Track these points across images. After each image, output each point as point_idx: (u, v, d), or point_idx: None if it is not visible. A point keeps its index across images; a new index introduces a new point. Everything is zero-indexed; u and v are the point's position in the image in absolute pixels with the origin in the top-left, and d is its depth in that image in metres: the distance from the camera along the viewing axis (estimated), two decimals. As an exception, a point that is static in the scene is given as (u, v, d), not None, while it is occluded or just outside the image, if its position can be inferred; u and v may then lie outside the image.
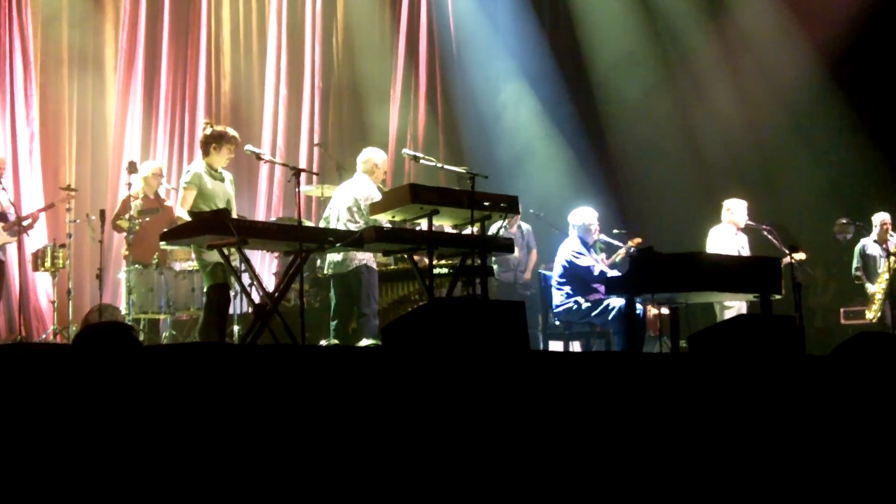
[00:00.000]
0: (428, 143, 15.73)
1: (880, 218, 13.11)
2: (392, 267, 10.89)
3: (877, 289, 12.95)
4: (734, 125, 15.41)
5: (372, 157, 10.25)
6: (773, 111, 15.33)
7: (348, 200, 9.96)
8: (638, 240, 12.04)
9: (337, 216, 10.04)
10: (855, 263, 13.22)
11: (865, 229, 13.26)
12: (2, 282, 10.85)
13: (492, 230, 8.99)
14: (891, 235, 12.94)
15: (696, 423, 5.60)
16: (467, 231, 8.84)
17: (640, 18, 16.09)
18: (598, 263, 10.67)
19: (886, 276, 12.76)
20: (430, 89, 16.43)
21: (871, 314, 12.96)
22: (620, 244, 11.88)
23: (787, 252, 11.16)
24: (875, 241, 13.10)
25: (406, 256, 9.37)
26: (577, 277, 10.51)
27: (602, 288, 10.19)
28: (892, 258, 12.64)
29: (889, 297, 12.83)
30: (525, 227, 13.63)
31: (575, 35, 16.46)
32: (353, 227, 9.60)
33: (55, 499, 4.14)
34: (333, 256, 9.83)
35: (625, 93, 16.03)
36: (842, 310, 13.74)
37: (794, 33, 15.13)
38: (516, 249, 12.49)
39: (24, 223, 10.70)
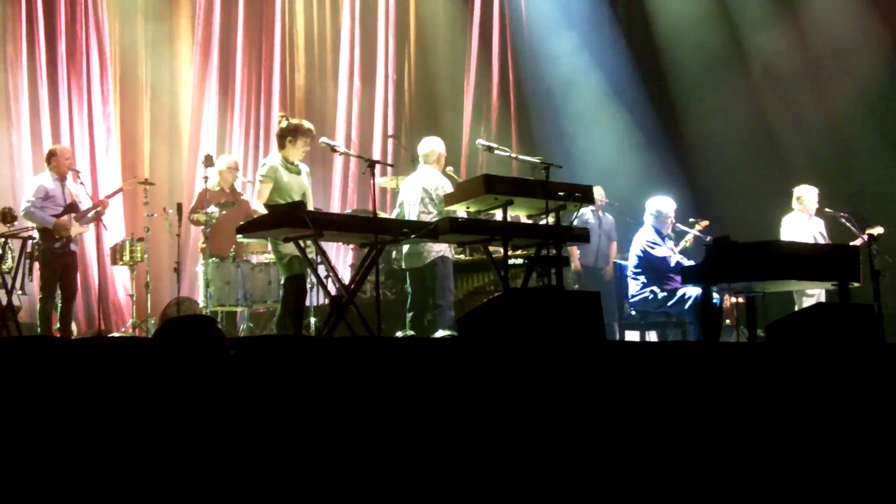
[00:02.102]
0: (500, 133, 15.72)
1: None
2: (467, 258, 10.90)
3: None
4: (809, 113, 15.25)
5: (434, 146, 10.28)
6: (848, 99, 15.11)
7: (418, 192, 9.99)
8: (705, 222, 11.91)
9: (409, 209, 10.07)
10: None
11: None
12: (75, 274, 10.94)
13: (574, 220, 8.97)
14: None
15: (775, 413, 5.56)
16: (542, 221, 8.81)
17: (714, 7, 15.96)
18: (673, 254, 10.59)
19: None
20: (502, 80, 16.44)
21: None
22: (690, 230, 11.77)
23: (865, 237, 11.02)
24: None
25: (481, 247, 9.37)
26: (652, 267, 10.45)
27: (678, 277, 10.11)
28: None
29: None
30: (609, 218, 13.62)
31: (648, 24, 16.38)
32: (426, 218, 9.61)
33: (139, 490, 4.19)
34: (409, 248, 9.85)
35: (698, 81, 15.91)
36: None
37: (869, 21, 14.93)
38: (596, 236, 12.52)
39: (95, 211, 10.78)
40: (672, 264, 10.31)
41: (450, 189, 9.77)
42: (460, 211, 9.10)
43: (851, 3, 15.11)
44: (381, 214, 9.84)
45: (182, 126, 13.91)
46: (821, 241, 12.01)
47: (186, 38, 14.11)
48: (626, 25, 16.57)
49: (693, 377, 5.73)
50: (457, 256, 10.52)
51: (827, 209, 12.14)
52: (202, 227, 11.28)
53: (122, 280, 12.67)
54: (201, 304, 11.04)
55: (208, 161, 11.41)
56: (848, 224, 11.99)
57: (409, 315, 9.93)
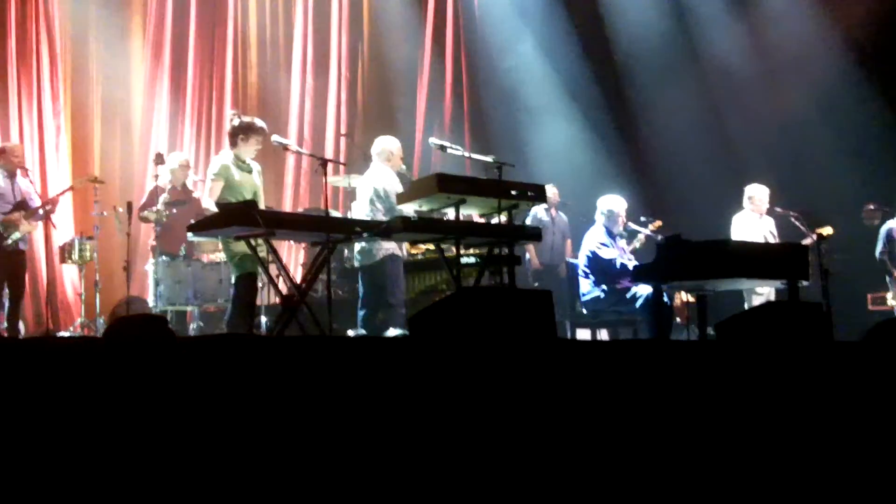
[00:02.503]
0: (454, 132, 15.74)
1: None
2: (420, 257, 10.90)
3: None
4: (762, 113, 15.37)
5: (385, 145, 10.29)
6: (801, 99, 15.25)
7: (368, 191, 10.00)
8: (659, 222, 11.99)
9: (359, 208, 10.08)
10: (879, 247, 13.19)
11: (891, 214, 13.23)
12: (24, 273, 10.85)
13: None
14: None
15: (725, 410, 5.59)
16: (495, 220, 8.84)
17: (670, 7, 16.04)
18: (621, 256, 10.60)
19: None
20: (456, 79, 16.49)
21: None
22: (643, 230, 11.83)
23: (814, 236, 11.13)
24: None
25: (434, 246, 9.38)
26: (601, 268, 10.48)
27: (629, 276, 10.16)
28: None
29: None
30: (562, 216, 13.68)
31: (602, 21, 16.43)
32: (374, 217, 9.61)
33: (85, 492, 4.16)
34: (361, 247, 9.84)
35: (652, 80, 15.99)
36: (869, 296, 13.71)
37: (823, 22, 15.07)
38: (550, 235, 12.57)
39: (44, 209, 10.70)
40: (618, 266, 10.33)
41: (399, 188, 9.79)
42: (407, 208, 9.10)
43: (805, 4, 15.25)
44: (333, 213, 9.83)
45: (133, 124, 13.82)
46: (771, 240, 12.13)
47: (138, 35, 14.03)
48: (581, 25, 16.59)
49: (644, 375, 5.74)
50: (411, 256, 10.52)
51: (777, 208, 12.25)
52: (152, 225, 11.22)
53: (70, 279, 12.55)
54: (151, 304, 10.99)
55: (159, 159, 11.38)
56: (798, 223, 12.11)
57: (362, 313, 9.93)
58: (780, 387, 5.82)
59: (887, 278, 13.13)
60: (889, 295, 13.08)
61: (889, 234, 13.14)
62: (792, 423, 5.64)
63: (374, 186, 9.95)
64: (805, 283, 9.50)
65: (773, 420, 5.60)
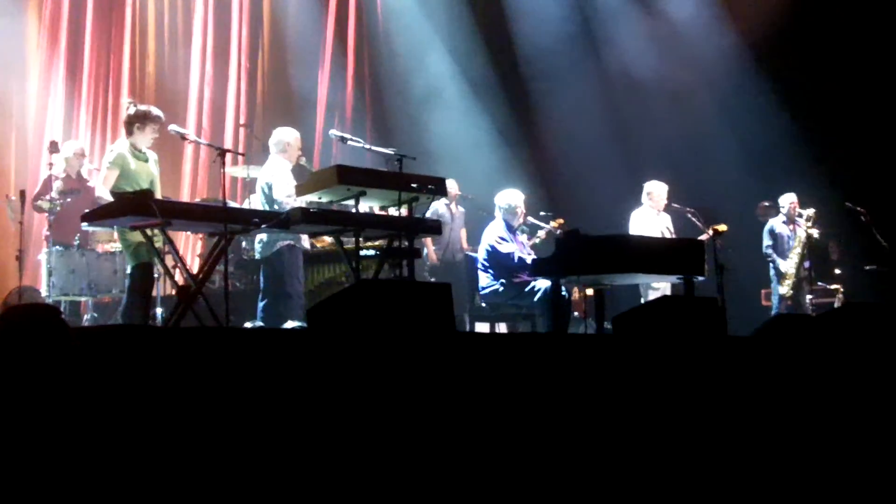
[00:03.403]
0: (355, 124, 15.70)
1: (788, 199, 13.70)
2: (320, 248, 10.86)
3: (790, 266, 13.30)
4: (662, 111, 15.54)
5: (283, 136, 10.21)
6: (700, 98, 15.49)
7: (261, 183, 9.94)
8: (560, 220, 12.07)
9: (255, 199, 10.05)
10: (765, 242, 13.63)
11: (775, 210, 13.60)
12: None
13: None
14: (799, 215, 13.31)
15: (621, 402, 5.64)
16: (395, 213, 8.83)
17: (571, 6, 16.16)
18: (519, 251, 10.63)
19: (798, 251, 13.14)
20: (357, 71, 16.48)
21: (784, 289, 13.29)
22: (545, 225, 11.90)
23: (710, 233, 11.29)
24: (784, 222, 13.54)
25: (333, 238, 9.35)
26: (500, 263, 10.52)
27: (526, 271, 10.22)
28: (804, 235, 13.16)
29: (801, 276, 13.24)
30: (461, 209, 13.69)
31: (506, 18, 16.49)
32: (268, 209, 9.56)
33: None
34: (260, 238, 9.78)
35: (554, 78, 16.09)
36: (763, 291, 13.99)
37: (724, 23, 15.32)
38: (448, 229, 12.58)
39: None
40: (516, 260, 10.37)
41: (292, 180, 9.76)
42: (299, 199, 9.06)
43: (705, 5, 15.48)
44: (232, 204, 9.74)
45: (28, 111, 13.54)
46: (668, 235, 12.28)
47: (33, 20, 13.74)
48: (482, 19, 16.64)
49: (541, 368, 5.77)
50: (314, 246, 10.48)
51: (674, 204, 12.40)
52: (46, 214, 11.05)
53: (-40, 268, 12.32)
54: (44, 294, 10.80)
55: (53, 147, 11.21)
56: (694, 219, 12.27)
57: (261, 305, 9.86)
58: (676, 380, 5.90)
59: (771, 272, 13.48)
60: (782, 285, 13.40)
61: (772, 231, 13.54)
62: (686, 415, 5.71)
63: (266, 179, 9.89)
64: (700, 278, 9.64)
65: (668, 412, 5.67)
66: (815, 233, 13.28)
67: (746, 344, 6.76)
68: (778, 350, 6.31)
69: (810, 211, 13.34)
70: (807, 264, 13.32)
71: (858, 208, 13.26)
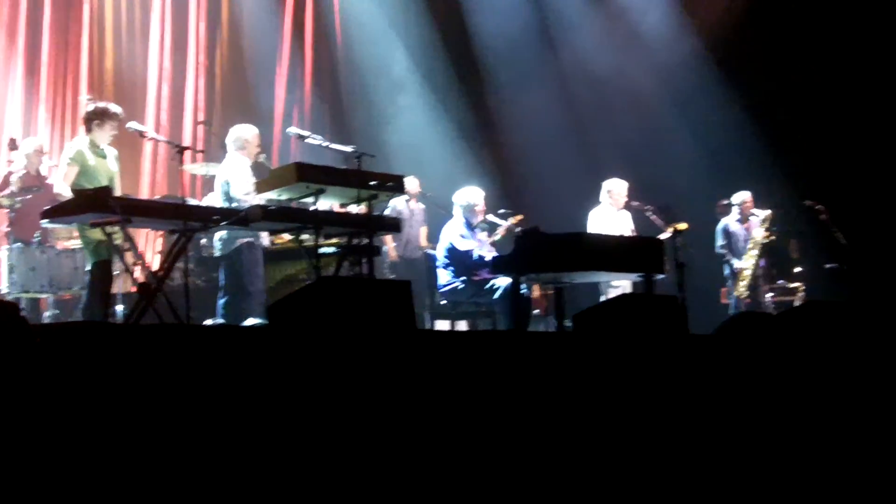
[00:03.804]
0: (315, 122, 15.66)
1: (741, 197, 13.68)
2: (280, 246, 10.84)
3: (746, 265, 13.33)
4: (621, 109, 15.59)
5: (240, 133, 10.18)
6: (656, 91, 15.57)
7: (220, 181, 9.92)
8: (520, 216, 12.08)
9: (216, 197, 10.02)
10: (719, 242, 13.63)
11: (729, 210, 13.67)
12: None
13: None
14: (752, 214, 13.39)
15: (580, 400, 5.67)
16: (355, 210, 8.84)
17: (528, 5, 16.21)
18: (479, 248, 10.66)
19: (755, 252, 13.21)
20: (316, 68, 16.45)
21: (739, 291, 13.33)
22: (503, 222, 11.92)
23: (670, 231, 11.34)
24: (738, 220, 13.61)
25: (293, 236, 9.34)
26: (459, 260, 10.54)
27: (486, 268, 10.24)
28: (760, 236, 13.27)
29: (757, 274, 13.32)
30: (420, 206, 13.68)
31: (464, 17, 16.50)
32: (227, 206, 9.53)
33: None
34: (220, 236, 9.75)
35: (513, 76, 16.14)
36: (722, 289, 14.04)
37: (683, 22, 15.40)
38: (408, 227, 12.58)
39: None
40: (475, 258, 10.40)
41: (250, 177, 9.75)
42: (258, 196, 9.05)
43: (665, 3, 15.57)
44: (191, 201, 9.72)
45: (-15, 108, 13.47)
46: (628, 234, 12.31)
47: (-9, 17, 13.67)
48: (440, 16, 16.65)
49: (501, 365, 5.80)
50: (274, 244, 10.47)
51: (634, 202, 12.44)
52: (6, 211, 10.98)
53: (-82, 265, 12.19)
54: (4, 291, 10.74)
55: (13, 144, 11.15)
56: (653, 218, 12.32)
57: (221, 302, 9.83)
58: (636, 377, 5.94)
59: (726, 271, 13.54)
60: (736, 287, 13.46)
61: (726, 230, 13.58)
62: (647, 412, 5.75)
63: (224, 177, 9.87)
64: (660, 276, 9.69)
65: (629, 410, 5.71)
66: (770, 236, 13.32)
67: (708, 342, 6.81)
68: (739, 348, 6.36)
69: (766, 212, 13.38)
70: (762, 263, 13.39)
71: (817, 206, 13.37)
